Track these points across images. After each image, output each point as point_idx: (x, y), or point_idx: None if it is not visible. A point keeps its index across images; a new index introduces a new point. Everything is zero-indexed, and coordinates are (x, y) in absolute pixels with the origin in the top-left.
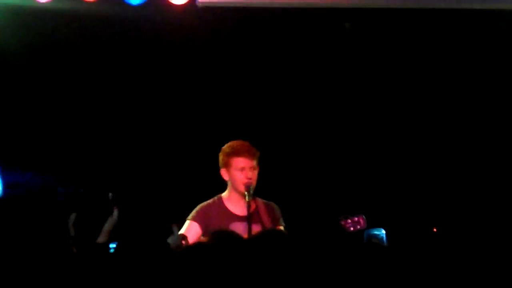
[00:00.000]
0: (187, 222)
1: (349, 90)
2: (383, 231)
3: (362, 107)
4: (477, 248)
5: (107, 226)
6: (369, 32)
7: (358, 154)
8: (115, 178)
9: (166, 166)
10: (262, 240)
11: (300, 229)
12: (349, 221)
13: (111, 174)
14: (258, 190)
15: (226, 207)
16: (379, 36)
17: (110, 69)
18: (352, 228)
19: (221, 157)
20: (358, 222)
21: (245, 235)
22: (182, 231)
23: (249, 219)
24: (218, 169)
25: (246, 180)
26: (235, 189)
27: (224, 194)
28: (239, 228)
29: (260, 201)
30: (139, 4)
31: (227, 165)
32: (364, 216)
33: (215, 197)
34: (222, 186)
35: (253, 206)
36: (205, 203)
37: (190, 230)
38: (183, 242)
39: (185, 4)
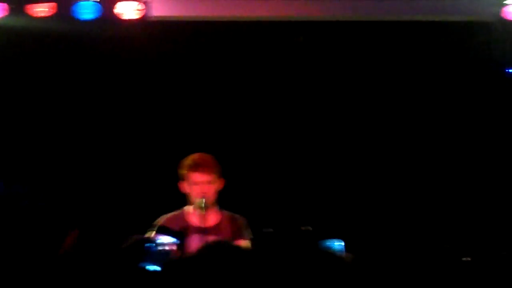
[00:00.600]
0: (147, 234)
1: (302, 102)
2: (342, 243)
3: (318, 119)
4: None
5: None
6: (322, 45)
7: (320, 166)
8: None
9: (130, 180)
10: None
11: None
12: None
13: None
14: (225, 203)
15: (186, 219)
16: (332, 49)
17: (62, 84)
18: None
19: (180, 170)
20: None
21: None
22: None
23: (204, 231)
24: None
25: (200, 195)
26: (192, 202)
27: (186, 207)
28: (196, 241)
29: (226, 213)
30: (90, 19)
31: (185, 178)
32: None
33: (180, 209)
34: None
35: (217, 218)
36: (168, 214)
37: None
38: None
39: (138, 19)
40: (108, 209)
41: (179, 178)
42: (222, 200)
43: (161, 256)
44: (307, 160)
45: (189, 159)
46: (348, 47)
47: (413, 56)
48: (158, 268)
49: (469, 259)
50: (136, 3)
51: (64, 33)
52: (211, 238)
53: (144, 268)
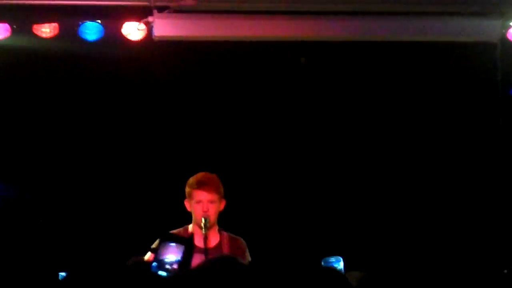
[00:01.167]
0: (149, 253)
1: (305, 125)
2: (341, 261)
3: (318, 143)
4: None
5: None
6: (324, 66)
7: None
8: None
9: (134, 200)
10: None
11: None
12: None
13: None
14: (226, 224)
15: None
16: (335, 70)
17: (67, 104)
18: None
19: (186, 188)
20: None
21: None
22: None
23: (206, 252)
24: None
25: (202, 213)
26: (195, 221)
27: (190, 226)
28: (197, 260)
29: (226, 235)
30: (95, 40)
31: (189, 197)
32: None
33: (183, 227)
34: None
35: (216, 239)
36: (170, 232)
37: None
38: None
39: (142, 39)
40: (113, 225)
41: (184, 196)
42: (222, 221)
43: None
44: (307, 180)
45: (194, 178)
46: (351, 68)
47: (417, 77)
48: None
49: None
50: (139, 23)
51: (68, 54)
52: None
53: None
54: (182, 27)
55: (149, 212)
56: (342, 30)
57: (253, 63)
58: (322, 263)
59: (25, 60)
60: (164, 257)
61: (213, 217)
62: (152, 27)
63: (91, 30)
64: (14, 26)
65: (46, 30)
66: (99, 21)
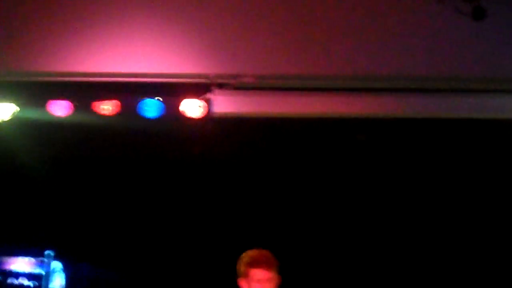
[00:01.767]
0: None
1: (362, 203)
2: None
3: (374, 221)
4: None
5: None
6: (383, 143)
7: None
8: None
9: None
10: None
11: None
12: None
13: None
14: None
15: None
16: (393, 147)
17: (128, 182)
18: None
19: (239, 267)
20: None
21: None
22: None
23: None
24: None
25: None
26: None
27: None
28: None
29: None
30: (155, 117)
31: (245, 275)
32: None
33: None
34: None
35: None
36: None
37: None
38: None
39: (201, 116)
40: None
41: (237, 275)
42: None
43: None
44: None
45: (249, 256)
46: (410, 145)
47: (476, 154)
48: None
49: None
50: (199, 100)
51: (128, 131)
52: None
53: None
54: (241, 103)
55: None
56: (400, 107)
57: (312, 140)
58: None
59: (85, 137)
60: None
61: None
62: (211, 104)
63: (151, 107)
64: (76, 103)
65: (107, 107)
66: (159, 98)
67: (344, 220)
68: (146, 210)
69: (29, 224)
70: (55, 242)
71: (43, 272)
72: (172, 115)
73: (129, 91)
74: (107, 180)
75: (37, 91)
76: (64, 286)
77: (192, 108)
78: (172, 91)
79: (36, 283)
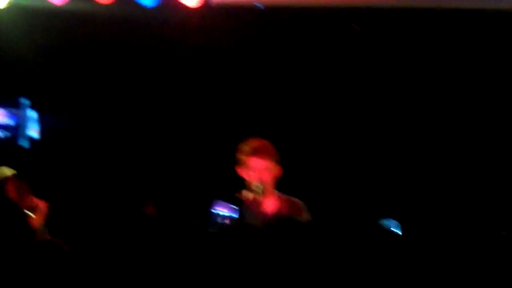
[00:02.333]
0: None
1: (356, 92)
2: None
3: (368, 110)
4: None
5: None
6: (379, 34)
7: (370, 151)
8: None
9: (184, 167)
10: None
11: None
12: None
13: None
14: (284, 188)
15: (245, 204)
16: (390, 38)
17: (123, 70)
18: None
19: (238, 155)
20: None
21: None
22: None
23: (264, 216)
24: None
25: (258, 180)
26: (250, 187)
27: (243, 192)
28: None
29: (283, 197)
30: (153, 5)
31: (243, 164)
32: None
33: (237, 193)
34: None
35: (275, 204)
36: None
37: None
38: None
39: (199, 5)
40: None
41: (236, 163)
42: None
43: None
44: (358, 146)
45: (248, 145)
46: (407, 36)
47: (474, 45)
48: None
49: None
50: None
51: (126, 19)
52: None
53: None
54: None
55: (199, 179)
56: None
57: (310, 30)
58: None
59: (83, 25)
60: (218, 211)
61: (269, 184)
62: None
63: None
64: None
65: None
66: None
67: (339, 112)
68: (140, 96)
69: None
70: (28, 92)
71: (14, 123)
72: (169, 3)
73: None
74: (101, 68)
75: None
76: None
77: None
78: None
79: (9, 134)
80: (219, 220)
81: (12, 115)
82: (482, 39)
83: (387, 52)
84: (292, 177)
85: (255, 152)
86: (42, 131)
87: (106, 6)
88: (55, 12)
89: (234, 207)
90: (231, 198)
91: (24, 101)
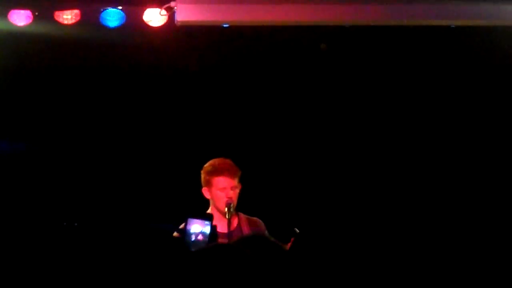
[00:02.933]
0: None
1: (325, 110)
2: None
3: (338, 126)
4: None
5: None
6: (347, 52)
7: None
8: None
9: (148, 185)
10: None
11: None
12: None
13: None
14: (242, 207)
15: None
16: (358, 56)
17: (87, 92)
18: None
19: (202, 176)
20: None
21: None
22: None
23: (230, 235)
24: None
25: (226, 199)
26: (216, 207)
27: (208, 212)
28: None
29: (243, 217)
30: (117, 26)
31: (208, 184)
32: None
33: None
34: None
35: (235, 222)
36: None
37: None
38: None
39: (164, 25)
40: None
41: (201, 184)
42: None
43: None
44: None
45: (211, 165)
46: (373, 54)
47: (441, 61)
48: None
49: None
50: (161, 9)
51: (90, 41)
52: None
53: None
54: (204, 12)
55: (162, 200)
56: (364, 15)
57: (275, 48)
58: None
59: (46, 47)
60: (190, 229)
61: (235, 202)
62: (174, 12)
63: (113, 17)
64: (36, 13)
65: (68, 16)
66: (120, 7)
67: (306, 129)
68: (105, 119)
69: None
70: None
71: None
72: (134, 24)
73: (90, 0)
74: (65, 90)
75: None
76: None
77: (154, 17)
78: (134, 0)
79: None
80: (193, 237)
81: None
82: (444, 54)
83: (354, 70)
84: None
85: (219, 171)
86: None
87: (70, 27)
88: (17, 34)
89: (206, 222)
90: (200, 214)
91: None
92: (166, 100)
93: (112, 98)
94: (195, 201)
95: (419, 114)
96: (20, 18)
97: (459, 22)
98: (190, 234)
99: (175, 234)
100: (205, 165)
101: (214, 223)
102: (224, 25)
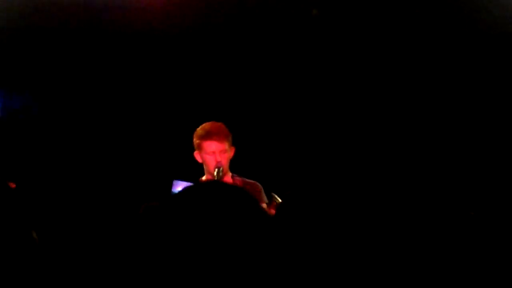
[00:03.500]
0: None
1: (314, 79)
2: None
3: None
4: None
5: None
6: (337, 18)
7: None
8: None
9: (146, 150)
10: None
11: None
12: None
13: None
14: (240, 170)
15: None
16: (350, 23)
17: (88, 54)
18: None
19: (194, 139)
20: None
21: None
22: None
23: None
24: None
25: (215, 163)
26: (208, 171)
27: (203, 177)
28: None
29: (239, 180)
30: None
31: (199, 148)
32: None
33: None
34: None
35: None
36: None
37: None
38: None
39: None
40: (122, 180)
41: (194, 148)
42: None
43: None
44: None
45: (202, 129)
46: (365, 20)
47: (436, 31)
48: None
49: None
50: None
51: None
52: None
53: None
54: None
55: (158, 166)
56: None
57: (266, 14)
58: None
59: (47, 9)
60: (175, 191)
61: (226, 165)
62: None
63: None
64: None
65: None
66: None
67: (294, 94)
68: (104, 76)
69: None
70: None
71: None
72: None
73: None
74: (66, 49)
75: None
76: None
77: None
78: None
79: None
80: None
81: None
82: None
83: (346, 37)
84: (245, 158)
85: (209, 135)
86: (4, 110)
87: None
88: None
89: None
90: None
91: None
92: (159, 63)
93: (112, 61)
94: (188, 166)
95: (413, 82)
96: None
97: None
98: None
99: None
100: (197, 129)
101: None
102: None
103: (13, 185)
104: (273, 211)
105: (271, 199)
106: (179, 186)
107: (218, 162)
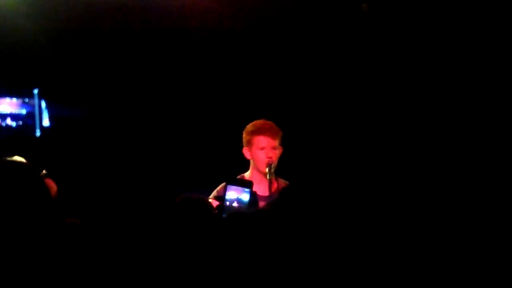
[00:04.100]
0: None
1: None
2: None
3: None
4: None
5: None
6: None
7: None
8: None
9: (190, 147)
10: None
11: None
12: None
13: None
14: (281, 173)
15: None
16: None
17: (128, 57)
18: None
19: (244, 135)
20: None
21: None
22: None
23: (268, 198)
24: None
25: (267, 159)
26: (257, 168)
27: (246, 174)
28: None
29: (282, 182)
30: None
31: (249, 144)
32: None
33: (239, 175)
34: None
35: (274, 186)
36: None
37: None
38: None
39: None
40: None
41: (242, 144)
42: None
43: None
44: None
45: (253, 125)
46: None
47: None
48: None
49: None
50: None
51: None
52: None
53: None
54: None
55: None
56: None
57: (316, 13)
58: None
59: (86, 11)
60: (226, 195)
61: (276, 163)
62: None
63: None
64: None
65: None
66: None
67: (346, 97)
68: (144, 79)
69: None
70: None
71: (24, 112)
72: None
73: None
74: (107, 52)
75: None
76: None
77: None
78: None
79: (21, 123)
80: (227, 203)
81: (23, 105)
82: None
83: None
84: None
85: (261, 131)
86: (52, 120)
87: None
88: None
89: (246, 189)
90: (239, 181)
91: (35, 90)
92: (204, 63)
93: (151, 63)
94: (234, 163)
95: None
96: None
97: None
98: (225, 200)
99: (211, 198)
100: (247, 126)
101: (254, 185)
102: None
103: (51, 182)
104: None
105: None
106: (230, 190)
107: (269, 159)
